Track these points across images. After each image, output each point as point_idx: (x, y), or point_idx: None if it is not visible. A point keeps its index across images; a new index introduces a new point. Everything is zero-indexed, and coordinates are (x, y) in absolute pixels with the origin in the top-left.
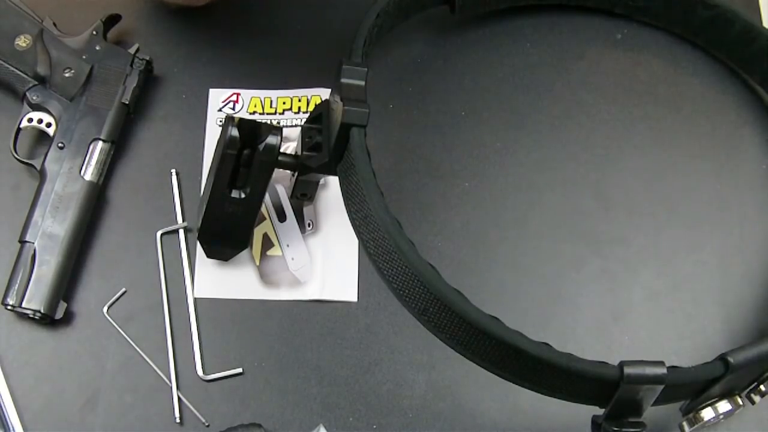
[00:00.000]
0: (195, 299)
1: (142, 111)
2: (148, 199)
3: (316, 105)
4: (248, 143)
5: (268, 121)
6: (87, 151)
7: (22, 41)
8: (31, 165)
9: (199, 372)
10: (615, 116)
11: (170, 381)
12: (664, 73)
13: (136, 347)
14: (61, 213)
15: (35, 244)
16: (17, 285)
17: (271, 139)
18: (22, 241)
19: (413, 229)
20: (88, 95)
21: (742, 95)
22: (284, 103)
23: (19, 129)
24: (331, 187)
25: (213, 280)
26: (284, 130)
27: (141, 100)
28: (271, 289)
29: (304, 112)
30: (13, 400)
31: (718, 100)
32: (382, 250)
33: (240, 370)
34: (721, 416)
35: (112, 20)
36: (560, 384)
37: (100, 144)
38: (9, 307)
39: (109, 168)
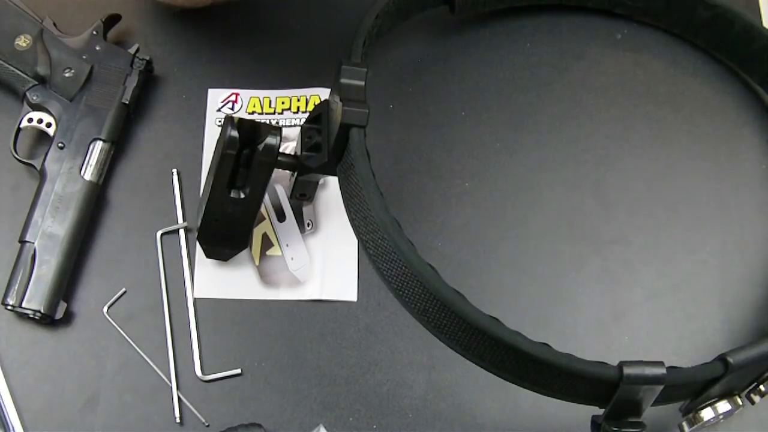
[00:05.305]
0: (195, 299)
1: (142, 111)
2: (148, 199)
3: (315, 105)
4: (248, 143)
5: (268, 121)
6: (87, 151)
7: (22, 41)
8: (31, 165)
9: (198, 372)
10: (615, 116)
11: (170, 381)
12: (664, 73)
13: (136, 347)
14: (61, 213)
15: (35, 244)
16: (17, 285)
17: (271, 140)
18: (22, 241)
19: (413, 229)
20: (88, 95)
21: (742, 95)
22: (283, 103)
23: (19, 129)
24: (331, 187)
25: (213, 280)
26: (284, 130)
27: (141, 100)
28: (270, 289)
29: (303, 112)
30: (13, 400)
31: (718, 100)
32: (382, 251)
33: (239, 371)
34: (721, 416)
35: (112, 20)
36: (560, 384)
37: (100, 144)
38: (9, 307)
39: (109, 168)
